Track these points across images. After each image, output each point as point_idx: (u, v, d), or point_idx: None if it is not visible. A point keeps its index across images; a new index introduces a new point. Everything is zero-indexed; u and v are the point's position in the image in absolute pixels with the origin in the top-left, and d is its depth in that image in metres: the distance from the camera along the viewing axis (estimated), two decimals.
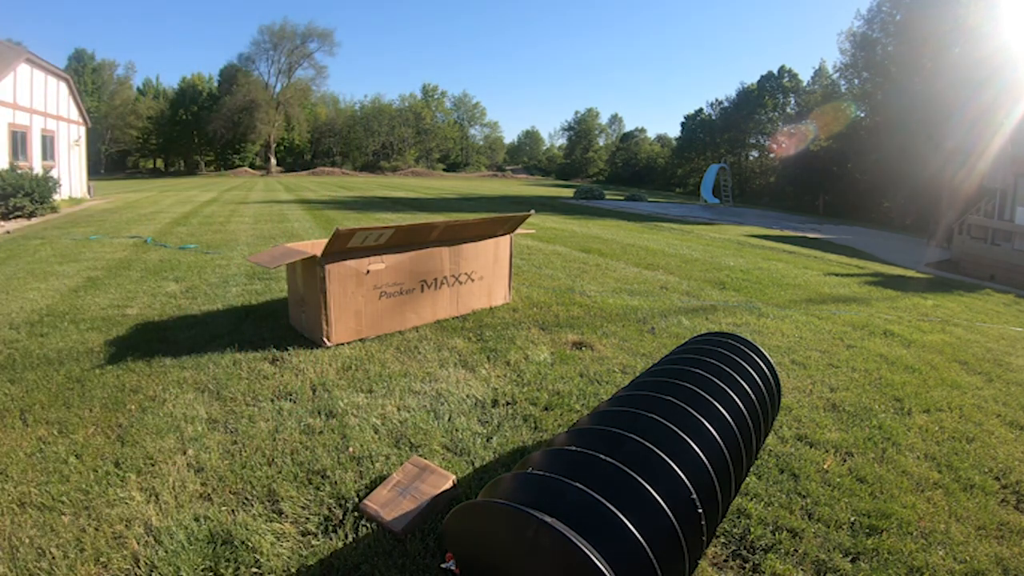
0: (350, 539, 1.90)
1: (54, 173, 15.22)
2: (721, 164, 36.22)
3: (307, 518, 2.00)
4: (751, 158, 53.39)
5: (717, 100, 57.00)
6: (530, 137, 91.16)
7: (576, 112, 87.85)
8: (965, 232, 12.87)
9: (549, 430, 2.71)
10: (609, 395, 3.00)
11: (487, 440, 2.59)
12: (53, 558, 1.76)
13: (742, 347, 2.46)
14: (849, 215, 31.50)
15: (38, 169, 14.33)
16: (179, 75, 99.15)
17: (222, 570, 1.74)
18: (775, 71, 51.42)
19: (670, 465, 1.57)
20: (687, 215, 20.81)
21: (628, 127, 77.89)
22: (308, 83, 65.76)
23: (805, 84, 48.93)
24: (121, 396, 2.87)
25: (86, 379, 3.06)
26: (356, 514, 2.02)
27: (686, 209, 25.13)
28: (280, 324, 4.11)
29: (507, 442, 2.58)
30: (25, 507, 2.00)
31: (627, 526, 1.35)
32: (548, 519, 1.30)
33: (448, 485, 2.10)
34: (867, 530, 2.10)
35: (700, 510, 1.56)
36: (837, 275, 8.26)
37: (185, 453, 2.37)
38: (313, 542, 1.88)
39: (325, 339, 3.62)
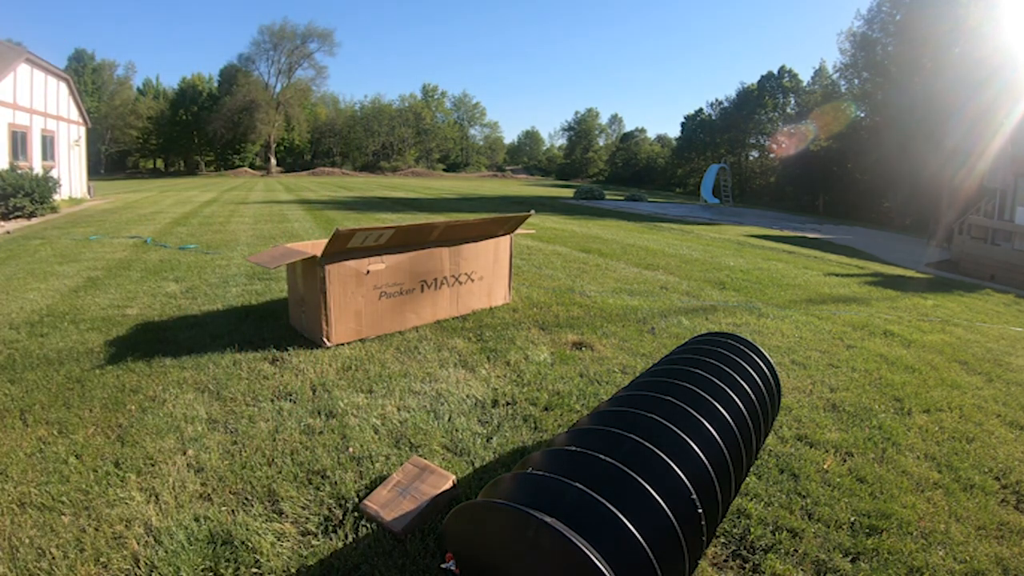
0: (350, 539, 1.90)
1: (54, 173, 15.23)
2: (721, 164, 36.24)
3: (307, 518, 2.00)
4: (751, 158, 53.40)
5: (717, 100, 57.13)
6: (530, 137, 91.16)
7: (576, 112, 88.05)
8: (965, 232, 12.88)
9: (549, 430, 2.71)
10: (609, 395, 3.00)
11: (487, 440, 2.59)
12: (53, 558, 1.76)
13: (742, 347, 2.46)
14: (849, 215, 31.51)
15: (38, 169, 14.32)
16: (179, 75, 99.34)
17: (222, 570, 1.75)
18: (775, 71, 51.46)
19: (670, 465, 1.57)
20: (687, 215, 20.82)
21: (628, 127, 78.03)
22: (308, 83, 65.79)
23: (805, 84, 48.94)
24: (121, 396, 2.87)
25: (86, 379, 3.06)
26: (356, 514, 2.02)
27: (686, 209, 25.13)
28: (280, 324, 4.11)
29: (507, 442, 2.58)
30: (25, 507, 2.00)
31: (627, 526, 1.35)
32: (548, 519, 1.30)
33: (448, 485, 2.10)
34: (867, 530, 2.10)
35: (700, 510, 1.56)
36: (837, 275, 8.26)
37: (185, 453, 2.37)
38: (313, 542, 1.89)
39: (325, 339, 3.62)
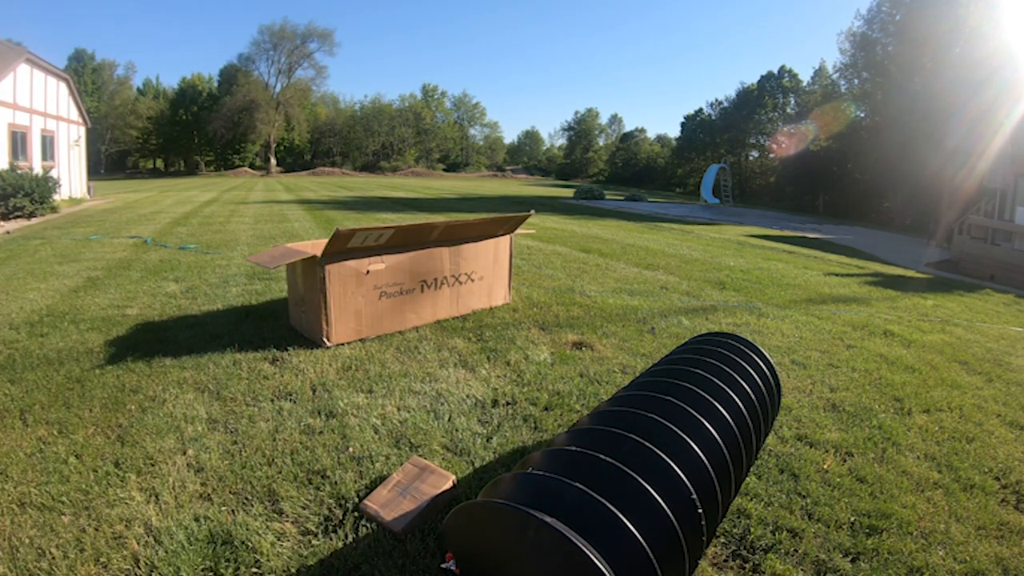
0: (350, 539, 1.90)
1: (54, 173, 15.23)
2: (721, 164, 36.23)
3: (307, 518, 2.00)
4: (751, 158, 53.39)
5: (717, 100, 57.13)
6: (530, 137, 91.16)
7: (576, 112, 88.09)
8: (965, 232, 12.88)
9: (549, 430, 2.71)
10: (609, 395, 3.00)
11: (487, 440, 2.59)
12: (53, 558, 1.76)
13: (742, 347, 2.46)
14: (849, 215, 31.50)
15: (38, 169, 14.33)
16: (179, 75, 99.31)
17: (222, 570, 1.74)
18: (775, 71, 51.46)
19: (670, 465, 1.57)
20: (687, 215, 20.82)
21: (628, 127, 78.06)
22: (308, 83, 65.81)
23: (805, 84, 48.92)
24: (121, 396, 2.87)
25: (86, 379, 3.06)
26: (356, 514, 2.02)
27: (686, 209, 25.13)
28: (280, 324, 4.11)
29: (507, 442, 2.58)
30: (25, 507, 2.00)
31: (627, 526, 1.35)
32: (548, 519, 1.30)
33: (448, 485, 2.10)
34: (867, 530, 2.10)
35: (700, 510, 1.56)
36: (837, 275, 8.26)
37: (185, 453, 2.37)
38: (313, 542, 1.88)
39: (325, 339, 3.62)
